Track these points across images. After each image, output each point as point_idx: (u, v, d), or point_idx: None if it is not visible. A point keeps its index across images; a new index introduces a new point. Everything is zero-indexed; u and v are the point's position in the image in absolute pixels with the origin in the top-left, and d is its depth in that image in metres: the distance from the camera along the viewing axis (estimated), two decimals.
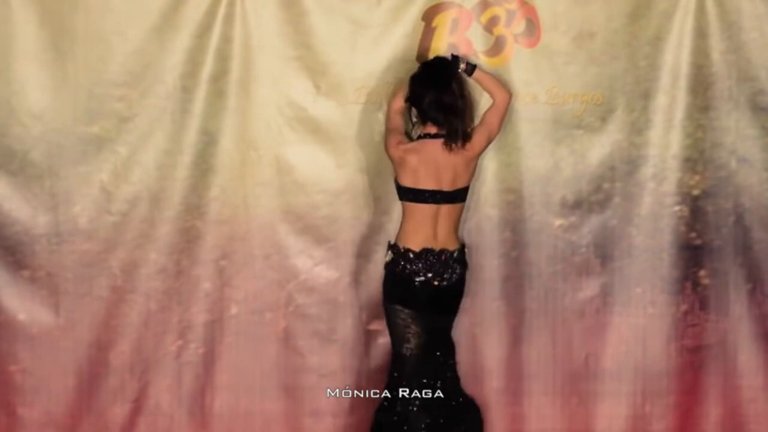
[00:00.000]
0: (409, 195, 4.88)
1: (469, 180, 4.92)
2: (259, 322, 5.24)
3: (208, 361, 5.24)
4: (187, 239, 5.17)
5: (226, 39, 5.04)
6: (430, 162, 4.84)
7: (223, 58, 5.06)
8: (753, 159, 5.19)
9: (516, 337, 5.27)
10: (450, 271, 4.90)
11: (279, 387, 5.25)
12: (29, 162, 5.10)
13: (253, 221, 5.18)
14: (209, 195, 5.15)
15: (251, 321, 5.23)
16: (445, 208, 4.87)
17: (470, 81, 4.98)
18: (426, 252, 4.87)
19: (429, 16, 5.09)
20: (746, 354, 5.28)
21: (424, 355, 4.92)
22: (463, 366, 5.19)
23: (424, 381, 4.92)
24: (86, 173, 5.11)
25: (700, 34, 5.10)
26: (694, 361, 5.29)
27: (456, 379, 5.04)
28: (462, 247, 4.97)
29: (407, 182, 4.87)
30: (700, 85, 5.14)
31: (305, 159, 5.15)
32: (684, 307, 5.27)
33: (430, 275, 4.88)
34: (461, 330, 5.18)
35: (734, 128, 5.17)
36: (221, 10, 5.02)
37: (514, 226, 5.19)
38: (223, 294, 5.22)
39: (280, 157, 5.14)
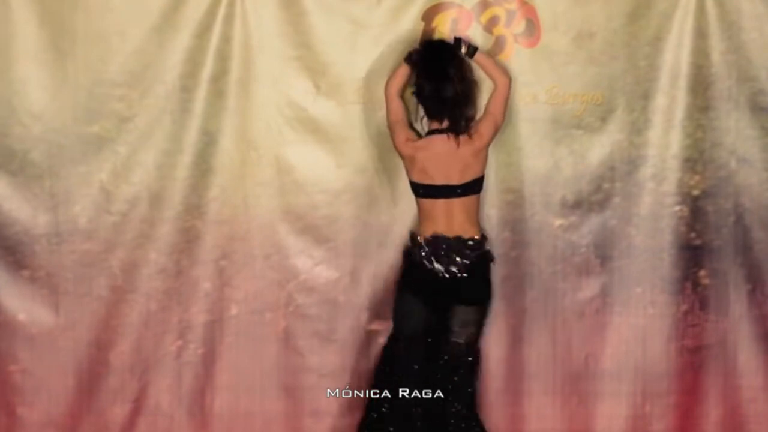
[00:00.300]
0: (419, 191, 4.90)
1: (481, 171, 4.92)
2: (259, 322, 5.23)
3: (208, 361, 5.24)
4: (187, 239, 5.17)
5: (226, 39, 5.04)
6: (439, 157, 4.84)
7: (223, 58, 5.06)
8: (753, 159, 5.19)
9: (516, 337, 5.27)
10: (462, 257, 4.88)
11: (279, 387, 5.25)
12: (29, 162, 5.10)
13: (253, 221, 5.18)
14: (209, 195, 5.15)
15: (251, 321, 5.23)
16: (458, 202, 4.88)
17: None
18: (436, 238, 4.87)
19: (429, 16, 5.09)
20: (746, 354, 5.28)
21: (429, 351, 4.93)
22: None
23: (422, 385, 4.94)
24: (86, 173, 5.11)
25: (700, 34, 5.10)
26: (694, 361, 5.29)
27: (469, 407, 5.01)
28: (481, 238, 4.95)
29: (417, 178, 4.88)
30: (700, 85, 5.14)
31: (305, 159, 5.15)
32: (684, 307, 5.27)
33: (441, 260, 4.87)
34: None
35: (734, 128, 5.16)
36: (221, 10, 5.02)
37: (514, 225, 5.19)
38: (223, 294, 5.22)
39: (280, 157, 5.14)
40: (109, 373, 5.21)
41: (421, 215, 4.95)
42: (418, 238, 4.91)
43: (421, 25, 5.08)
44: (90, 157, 5.11)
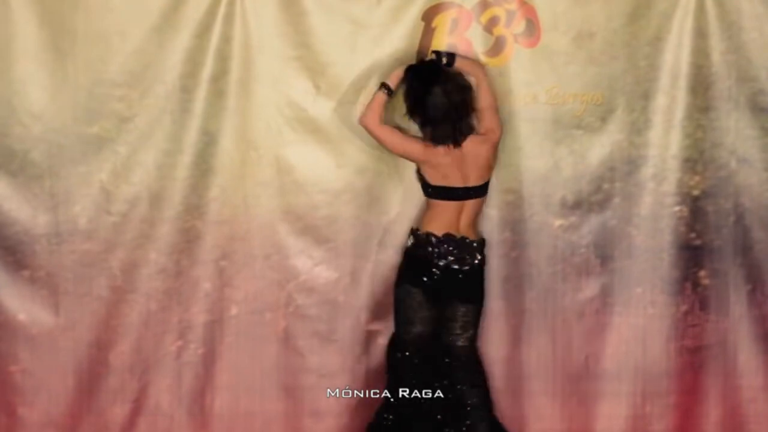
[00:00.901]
0: (438, 193, 4.94)
1: (491, 172, 4.98)
2: (259, 322, 5.23)
3: (208, 362, 5.24)
4: (187, 239, 5.17)
5: (226, 39, 5.04)
6: (458, 159, 4.88)
7: (223, 58, 5.06)
8: (753, 159, 5.19)
9: (516, 337, 5.27)
10: (470, 257, 4.94)
11: (279, 387, 5.25)
12: (29, 162, 5.09)
13: (253, 221, 5.18)
14: (209, 195, 5.15)
15: (251, 321, 5.23)
16: (471, 204, 4.95)
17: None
18: (448, 237, 4.91)
19: (429, 16, 5.09)
20: (746, 354, 5.28)
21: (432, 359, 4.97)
22: None
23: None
24: (86, 173, 5.11)
25: (700, 34, 5.10)
26: (694, 361, 5.29)
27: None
28: (482, 241, 5.02)
29: (437, 181, 4.92)
30: (700, 85, 5.13)
31: (305, 159, 5.15)
32: (684, 308, 5.27)
33: (451, 258, 4.92)
34: None
35: (734, 128, 5.16)
36: (221, 10, 5.01)
37: (514, 226, 5.19)
38: (223, 294, 5.22)
39: (280, 157, 5.14)
40: (109, 373, 5.21)
41: (431, 214, 4.97)
42: (428, 235, 4.94)
43: (421, 26, 5.08)
44: (90, 157, 5.11)
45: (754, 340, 5.27)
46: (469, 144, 4.89)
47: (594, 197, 5.20)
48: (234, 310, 5.23)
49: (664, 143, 5.17)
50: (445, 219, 4.93)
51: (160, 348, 5.21)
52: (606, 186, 5.20)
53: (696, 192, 5.21)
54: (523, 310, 5.26)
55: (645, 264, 5.23)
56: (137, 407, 5.23)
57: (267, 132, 5.13)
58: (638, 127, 5.16)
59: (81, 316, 5.18)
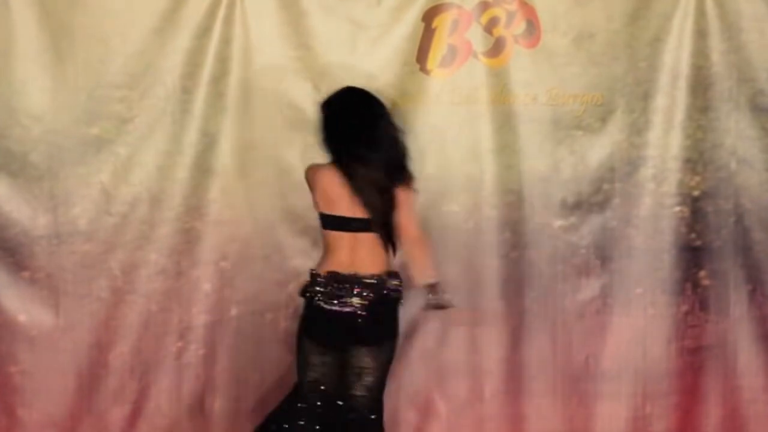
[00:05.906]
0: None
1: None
2: (260, 323, 5.24)
3: (209, 363, 5.24)
4: (187, 240, 5.17)
5: (225, 40, 5.05)
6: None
7: (222, 59, 5.06)
8: (753, 160, 5.19)
9: (516, 338, 5.27)
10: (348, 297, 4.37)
11: (279, 388, 5.25)
12: (29, 163, 5.09)
13: (253, 222, 5.18)
14: (209, 196, 5.15)
15: (251, 322, 5.23)
16: (362, 236, 4.37)
17: None
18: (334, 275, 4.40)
19: (429, 16, 5.09)
20: (746, 355, 5.29)
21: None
22: (464, 366, 5.21)
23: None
24: (86, 174, 5.11)
25: (700, 34, 5.11)
26: (694, 362, 5.29)
27: None
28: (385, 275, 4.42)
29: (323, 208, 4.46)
30: (700, 85, 5.14)
31: (305, 159, 5.14)
32: (684, 308, 5.28)
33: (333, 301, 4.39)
34: (461, 330, 5.18)
35: (734, 129, 5.17)
36: (221, 11, 5.02)
37: (514, 227, 5.19)
38: (223, 295, 5.22)
39: (280, 158, 5.14)
40: (109, 374, 5.21)
41: (324, 249, 4.47)
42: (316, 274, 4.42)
43: (421, 26, 5.09)
44: (90, 158, 5.11)
45: (755, 341, 5.27)
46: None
47: (594, 198, 5.21)
48: (234, 311, 5.23)
49: (664, 144, 5.18)
50: (335, 254, 4.37)
51: (160, 349, 5.22)
52: (606, 187, 5.20)
53: (696, 193, 5.21)
54: (524, 311, 5.26)
55: (645, 265, 5.23)
56: (137, 408, 5.23)
57: (267, 133, 5.13)
58: (638, 128, 5.17)
59: (81, 317, 5.18)
